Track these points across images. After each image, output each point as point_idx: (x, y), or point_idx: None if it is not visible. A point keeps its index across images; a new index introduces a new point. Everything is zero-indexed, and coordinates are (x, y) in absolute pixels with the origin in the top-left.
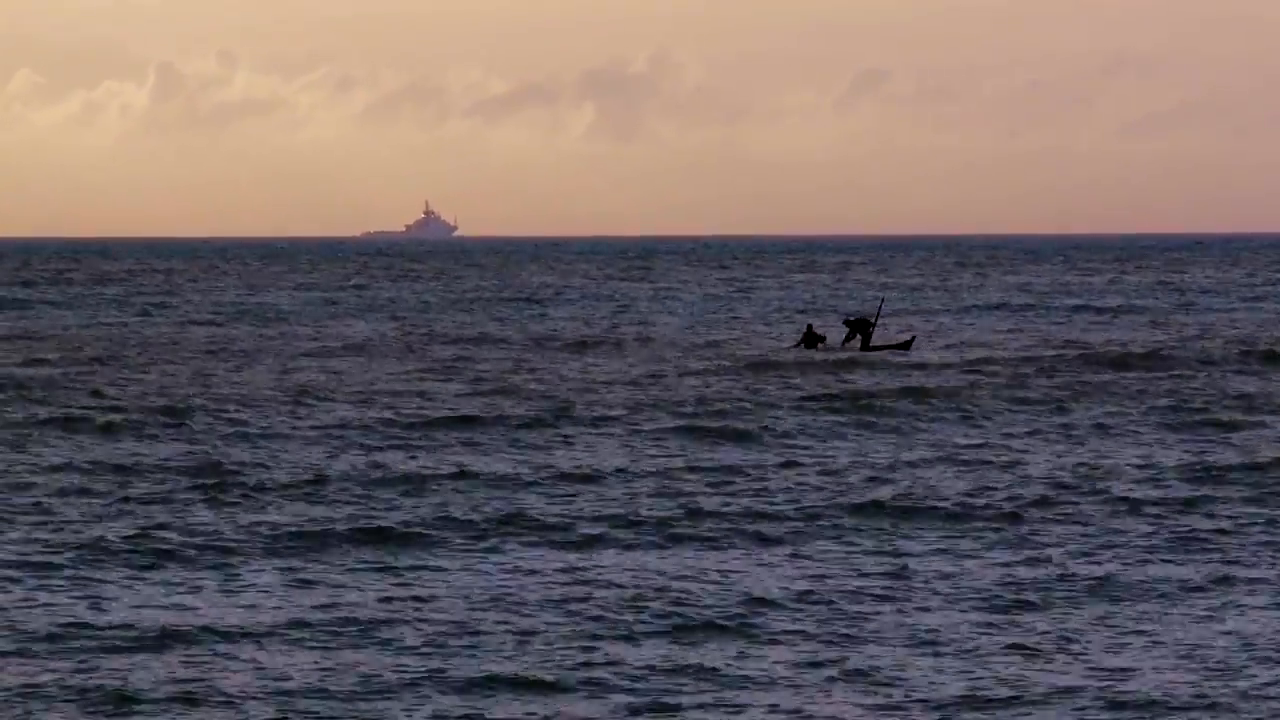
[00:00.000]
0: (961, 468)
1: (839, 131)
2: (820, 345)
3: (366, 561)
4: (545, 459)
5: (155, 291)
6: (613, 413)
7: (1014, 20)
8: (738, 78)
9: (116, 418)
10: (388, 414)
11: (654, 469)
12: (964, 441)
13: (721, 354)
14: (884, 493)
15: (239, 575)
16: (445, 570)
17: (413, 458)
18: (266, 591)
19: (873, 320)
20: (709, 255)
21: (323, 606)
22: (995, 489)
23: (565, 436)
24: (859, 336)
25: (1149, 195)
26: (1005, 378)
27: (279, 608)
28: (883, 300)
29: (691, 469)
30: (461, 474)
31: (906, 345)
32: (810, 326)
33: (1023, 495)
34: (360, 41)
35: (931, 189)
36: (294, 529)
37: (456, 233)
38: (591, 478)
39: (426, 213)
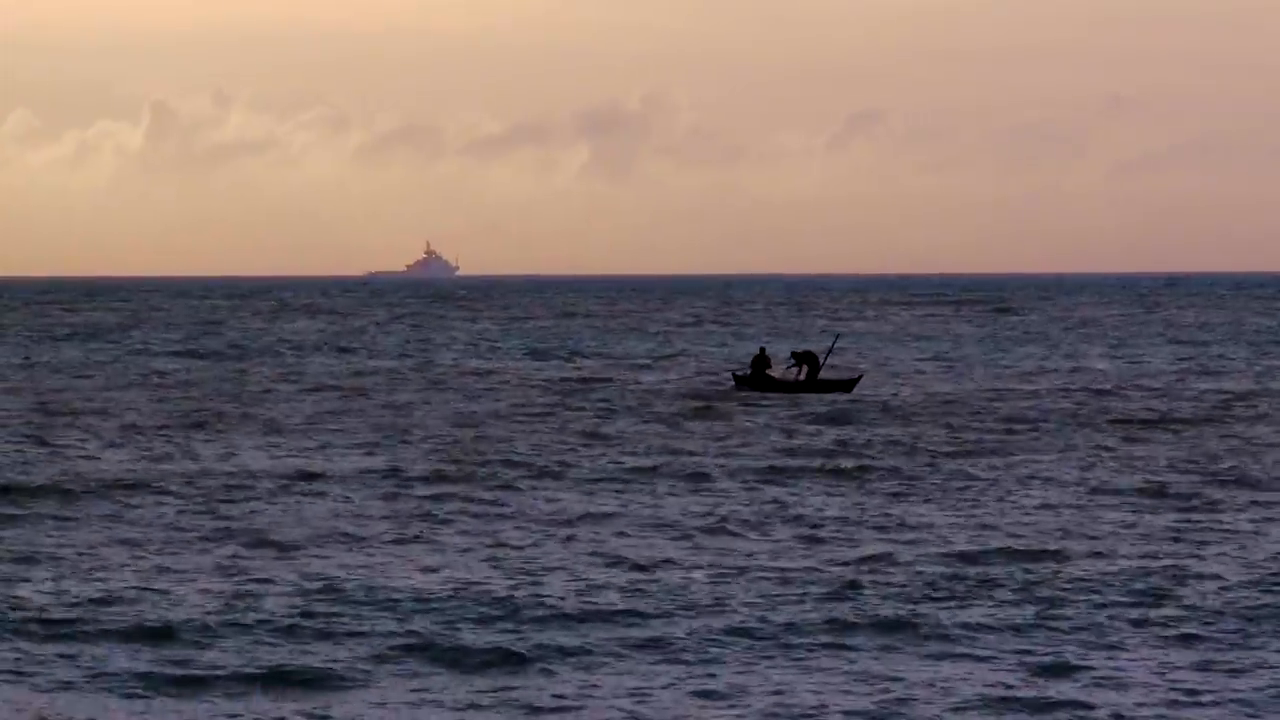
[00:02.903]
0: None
1: (833, 171)
2: (769, 371)
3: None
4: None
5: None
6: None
7: (1007, 61)
8: (732, 118)
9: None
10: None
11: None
12: None
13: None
14: None
15: None
16: None
17: None
18: None
19: (822, 358)
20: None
21: None
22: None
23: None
24: (804, 368)
25: (1141, 235)
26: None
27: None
28: (835, 338)
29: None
30: None
31: (852, 383)
32: (763, 349)
33: None
34: (354, 81)
35: (924, 228)
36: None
37: (459, 272)
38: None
39: (428, 253)
